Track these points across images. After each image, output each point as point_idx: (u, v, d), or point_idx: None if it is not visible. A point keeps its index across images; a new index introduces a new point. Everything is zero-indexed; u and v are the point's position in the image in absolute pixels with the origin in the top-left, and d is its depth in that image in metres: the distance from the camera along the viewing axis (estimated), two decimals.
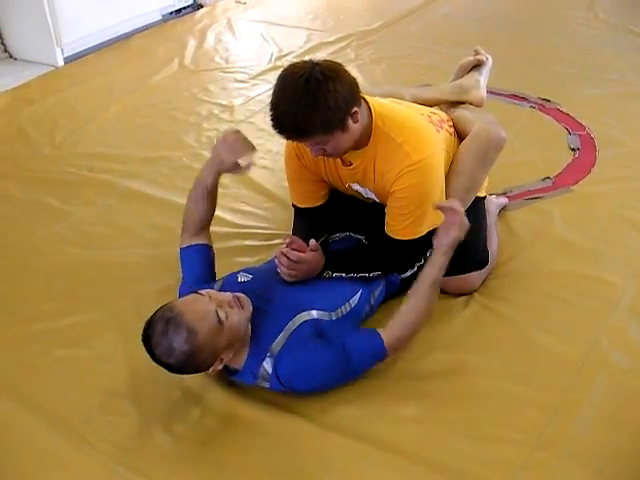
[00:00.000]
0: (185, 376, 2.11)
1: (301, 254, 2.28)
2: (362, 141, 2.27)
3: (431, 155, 2.29)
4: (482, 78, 2.91)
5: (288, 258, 2.27)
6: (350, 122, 2.14)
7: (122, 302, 2.60)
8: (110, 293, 2.65)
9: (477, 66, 2.95)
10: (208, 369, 2.02)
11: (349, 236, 2.58)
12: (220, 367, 2.05)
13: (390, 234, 2.37)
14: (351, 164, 2.36)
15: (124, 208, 3.18)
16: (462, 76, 2.91)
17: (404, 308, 2.17)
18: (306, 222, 2.60)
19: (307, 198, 2.59)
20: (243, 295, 2.10)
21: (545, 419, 2.07)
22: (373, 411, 2.12)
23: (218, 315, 1.95)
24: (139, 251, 2.88)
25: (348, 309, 2.27)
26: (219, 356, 2.01)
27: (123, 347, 2.38)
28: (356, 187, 2.45)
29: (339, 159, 2.37)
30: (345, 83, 2.11)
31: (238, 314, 2.02)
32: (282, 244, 2.36)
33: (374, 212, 2.46)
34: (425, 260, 2.46)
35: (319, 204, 2.58)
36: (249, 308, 2.08)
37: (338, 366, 2.09)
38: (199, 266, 2.39)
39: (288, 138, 2.21)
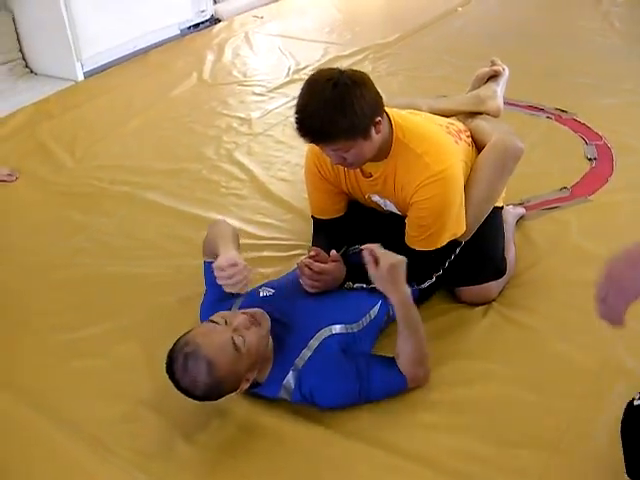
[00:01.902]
0: None
1: (323, 265, 2.30)
2: (382, 153, 2.28)
3: (451, 166, 2.29)
4: (499, 88, 2.92)
5: (310, 269, 2.28)
6: (373, 131, 2.16)
7: (143, 313, 2.61)
8: (131, 304, 2.67)
9: (494, 77, 2.95)
10: (235, 391, 2.04)
11: None
12: (247, 386, 2.05)
13: (410, 245, 2.37)
14: (371, 175, 2.37)
15: (144, 220, 3.21)
16: (479, 87, 2.92)
17: (400, 345, 2.17)
18: (325, 234, 2.61)
19: (326, 210, 2.60)
20: (258, 310, 2.09)
21: (564, 426, 2.08)
22: (393, 419, 2.13)
23: (235, 343, 1.94)
24: (159, 262, 2.90)
25: (369, 320, 2.29)
26: (243, 379, 2.02)
27: (144, 356, 2.40)
28: (376, 198, 2.47)
29: (359, 170, 2.39)
30: (371, 92, 2.13)
31: (256, 333, 2.02)
32: (304, 255, 2.38)
33: (392, 223, 2.47)
34: (443, 271, 2.48)
35: (338, 216, 2.60)
36: (266, 322, 2.07)
37: (356, 392, 2.10)
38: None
39: (311, 141, 2.19)
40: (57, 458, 2.09)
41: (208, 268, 2.34)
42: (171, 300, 2.66)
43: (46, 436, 2.16)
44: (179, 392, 1.98)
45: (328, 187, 2.53)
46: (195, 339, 1.94)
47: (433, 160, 2.26)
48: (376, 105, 2.15)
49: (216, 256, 2.18)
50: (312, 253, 2.34)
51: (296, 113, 2.12)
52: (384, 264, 2.08)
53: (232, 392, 2.04)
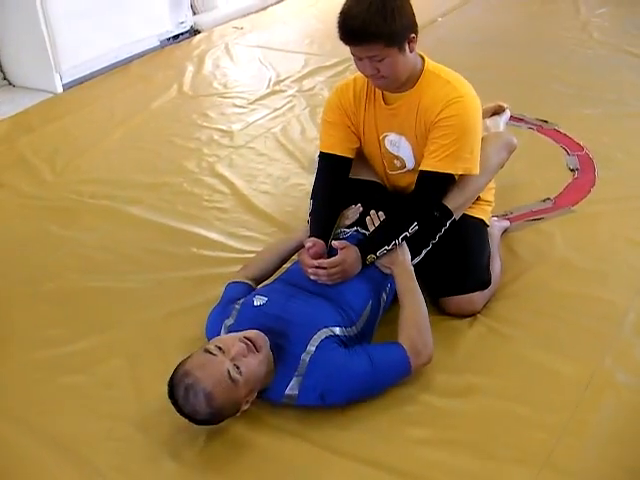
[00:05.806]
0: None
1: (332, 259, 2.33)
2: (410, 80, 2.43)
3: (475, 97, 2.47)
4: (502, 121, 3.20)
5: (322, 268, 2.33)
6: (407, 47, 2.32)
7: (127, 328, 2.59)
8: (114, 319, 2.64)
9: (497, 113, 3.21)
10: (236, 414, 2.07)
11: (356, 231, 2.57)
12: (247, 407, 2.08)
13: (426, 168, 2.44)
14: (393, 103, 2.50)
15: (126, 234, 3.18)
16: (483, 119, 2.99)
17: (401, 316, 2.30)
18: (329, 174, 2.65)
19: (337, 144, 2.62)
20: (256, 335, 2.10)
21: (553, 439, 2.07)
22: (381, 434, 2.12)
23: (231, 376, 1.97)
24: (141, 277, 2.87)
25: (365, 320, 2.32)
26: (242, 404, 2.05)
27: (129, 373, 2.38)
28: (391, 138, 2.55)
29: (381, 99, 2.50)
30: (409, 7, 2.32)
31: (255, 358, 2.04)
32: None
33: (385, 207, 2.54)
34: (433, 245, 2.50)
35: (346, 155, 2.62)
36: (265, 345, 2.09)
37: (366, 376, 2.13)
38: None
39: (350, 42, 2.30)
40: (41, 477, 2.06)
41: (234, 288, 2.45)
42: (154, 315, 2.63)
43: (30, 454, 2.13)
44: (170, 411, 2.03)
45: (346, 122, 2.60)
46: (194, 372, 1.99)
47: (460, 85, 2.45)
48: (413, 21, 2.33)
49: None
50: (309, 244, 2.39)
51: (340, 15, 2.28)
52: None
53: (233, 415, 2.07)
